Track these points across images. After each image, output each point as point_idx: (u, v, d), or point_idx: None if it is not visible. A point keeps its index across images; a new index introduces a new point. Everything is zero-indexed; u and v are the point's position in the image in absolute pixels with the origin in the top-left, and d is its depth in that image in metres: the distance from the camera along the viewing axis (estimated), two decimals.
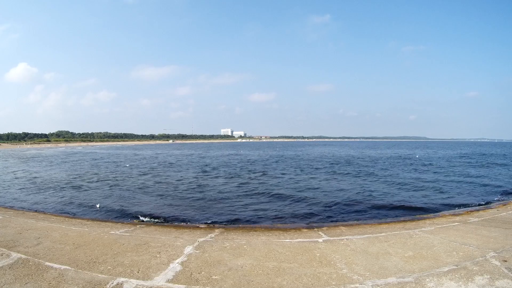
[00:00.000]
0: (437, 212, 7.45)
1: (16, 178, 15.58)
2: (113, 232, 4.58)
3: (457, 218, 5.81)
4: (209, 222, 6.70)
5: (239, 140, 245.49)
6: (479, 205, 8.25)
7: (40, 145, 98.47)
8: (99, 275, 2.83)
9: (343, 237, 4.31)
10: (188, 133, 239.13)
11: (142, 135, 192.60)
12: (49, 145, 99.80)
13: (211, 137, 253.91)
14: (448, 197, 9.98)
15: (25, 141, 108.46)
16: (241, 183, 13.16)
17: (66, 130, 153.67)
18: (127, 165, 23.01)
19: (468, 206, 8.04)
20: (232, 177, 15.58)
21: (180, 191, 11.24)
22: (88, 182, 13.85)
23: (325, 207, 8.47)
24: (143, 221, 6.72)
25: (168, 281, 2.74)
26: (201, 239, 4.18)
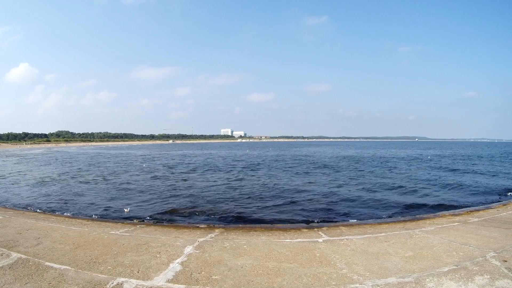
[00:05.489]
0: (437, 212, 7.45)
1: (16, 178, 15.57)
2: (113, 232, 4.57)
3: (457, 218, 5.81)
4: (209, 222, 6.70)
5: (239, 140, 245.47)
6: (479, 205, 8.25)
7: (40, 145, 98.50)
8: (99, 275, 2.83)
9: (343, 237, 4.30)
10: (188, 133, 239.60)
11: (142, 135, 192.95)
12: (49, 145, 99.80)
13: (211, 137, 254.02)
14: (448, 197, 9.99)
15: (25, 141, 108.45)
16: (241, 183, 13.16)
17: (66, 130, 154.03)
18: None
19: (468, 206, 8.03)
20: (232, 176, 15.58)
21: (180, 191, 11.23)
22: (86, 182, 13.86)
23: (325, 207, 8.48)
24: (143, 221, 6.71)
25: (168, 281, 2.74)
26: (201, 239, 4.18)
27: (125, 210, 7.97)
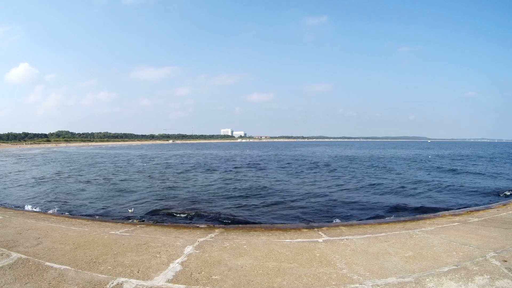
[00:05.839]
0: (437, 212, 7.45)
1: (14, 177, 15.57)
2: (113, 232, 4.57)
3: (457, 218, 5.81)
4: (209, 222, 6.70)
5: (239, 140, 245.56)
6: (479, 205, 8.25)
7: (40, 145, 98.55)
8: (99, 275, 2.83)
9: (343, 237, 4.30)
10: (188, 133, 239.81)
11: (142, 135, 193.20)
12: (49, 145, 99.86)
13: (211, 137, 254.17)
14: (448, 197, 9.99)
15: (25, 141, 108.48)
16: (240, 183, 13.15)
17: (66, 130, 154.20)
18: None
19: (468, 206, 8.04)
20: (231, 176, 15.58)
21: (179, 190, 11.23)
22: (85, 181, 13.85)
23: (325, 207, 8.48)
24: (143, 221, 6.71)
25: (168, 281, 2.74)
26: (201, 239, 4.18)
27: (129, 210, 8.01)
